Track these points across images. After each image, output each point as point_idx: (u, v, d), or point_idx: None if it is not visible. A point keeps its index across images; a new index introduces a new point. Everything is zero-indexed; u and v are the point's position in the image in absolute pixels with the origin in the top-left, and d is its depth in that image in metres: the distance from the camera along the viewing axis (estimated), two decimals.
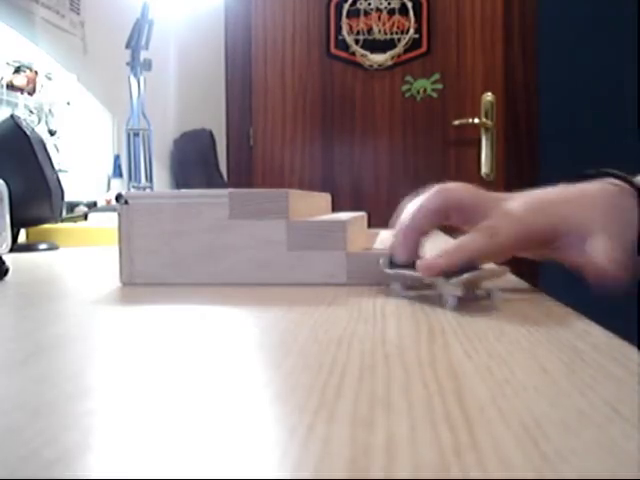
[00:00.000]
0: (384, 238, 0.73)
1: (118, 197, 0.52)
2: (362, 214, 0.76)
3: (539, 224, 0.45)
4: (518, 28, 2.52)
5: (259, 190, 0.51)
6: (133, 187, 1.54)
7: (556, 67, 2.47)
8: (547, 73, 2.50)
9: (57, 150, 1.47)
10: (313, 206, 0.66)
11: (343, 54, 2.61)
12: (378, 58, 2.59)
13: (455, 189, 0.47)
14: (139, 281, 0.51)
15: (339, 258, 0.50)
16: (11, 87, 1.32)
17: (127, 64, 1.52)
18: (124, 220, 0.52)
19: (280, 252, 0.50)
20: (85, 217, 1.20)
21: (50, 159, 0.94)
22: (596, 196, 0.47)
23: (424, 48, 2.58)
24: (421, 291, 0.45)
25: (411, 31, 2.58)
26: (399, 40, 2.59)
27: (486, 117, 2.50)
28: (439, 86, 2.56)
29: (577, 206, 0.46)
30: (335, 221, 0.51)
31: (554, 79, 2.48)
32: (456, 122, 2.52)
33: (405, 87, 2.58)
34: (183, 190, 0.52)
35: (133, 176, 1.54)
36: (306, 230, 0.50)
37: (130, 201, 0.51)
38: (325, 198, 0.80)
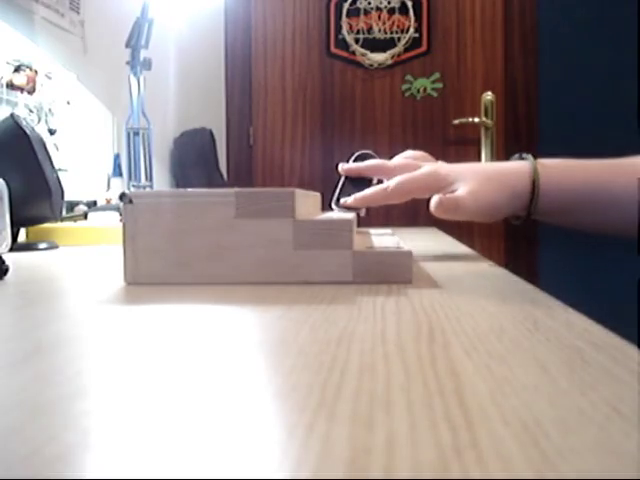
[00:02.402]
0: (382, 239, 0.73)
1: (122, 196, 0.52)
2: (352, 214, 0.76)
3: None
4: (518, 28, 2.52)
5: (265, 189, 0.51)
6: (133, 186, 1.54)
7: (556, 67, 2.47)
8: (547, 73, 2.49)
9: (57, 149, 1.47)
10: (310, 205, 0.66)
11: (343, 53, 2.61)
12: (378, 57, 2.59)
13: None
14: (144, 281, 0.51)
15: (345, 257, 0.50)
16: (11, 86, 1.32)
17: (127, 63, 1.52)
18: (128, 219, 0.51)
19: (286, 251, 0.50)
20: (85, 216, 1.20)
21: (50, 158, 0.94)
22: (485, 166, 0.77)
23: (424, 47, 2.58)
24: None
25: (411, 30, 2.58)
26: (399, 39, 2.59)
27: (486, 116, 2.50)
28: (439, 85, 2.56)
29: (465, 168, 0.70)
30: (341, 220, 0.51)
31: (554, 79, 2.48)
32: (456, 121, 2.52)
33: (405, 86, 2.58)
34: (189, 189, 0.52)
35: (133, 175, 1.54)
36: (313, 229, 0.50)
37: (135, 200, 0.51)
38: (315, 197, 0.80)
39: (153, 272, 0.51)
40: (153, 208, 0.51)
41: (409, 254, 0.50)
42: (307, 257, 0.50)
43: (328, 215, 0.62)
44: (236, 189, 0.51)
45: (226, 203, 0.50)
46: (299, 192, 0.53)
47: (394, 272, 0.50)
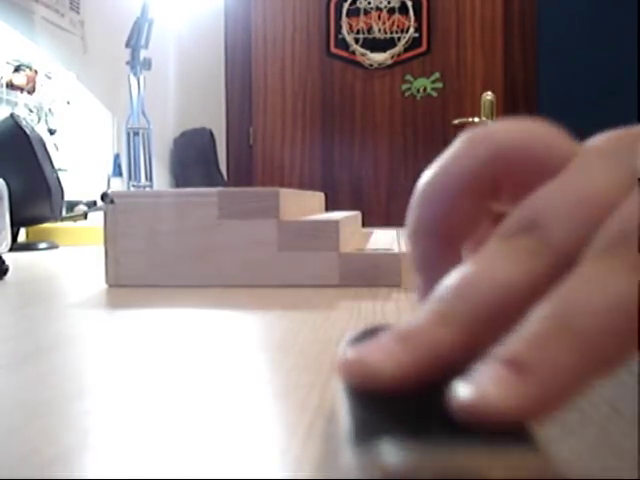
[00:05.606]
0: (378, 238, 0.72)
1: (103, 196, 0.50)
2: (356, 213, 0.74)
3: None
4: (518, 28, 2.52)
5: (249, 189, 0.49)
6: (133, 186, 1.54)
7: (556, 67, 2.48)
8: (547, 73, 2.49)
9: (57, 149, 1.47)
10: (306, 205, 0.64)
11: (343, 53, 2.61)
12: (378, 57, 2.59)
13: (507, 131, 0.18)
14: (125, 283, 0.49)
15: (331, 259, 0.48)
16: (11, 86, 1.32)
17: (127, 63, 1.52)
18: (109, 220, 0.50)
19: (271, 253, 0.48)
20: (85, 216, 1.20)
21: (50, 158, 0.94)
22: None
23: (424, 47, 2.58)
24: None
25: (411, 30, 2.58)
26: (399, 39, 2.59)
27: (486, 116, 2.50)
28: (439, 85, 2.56)
29: None
30: (327, 221, 0.49)
31: (554, 79, 2.48)
32: (456, 121, 2.52)
33: (405, 86, 2.58)
34: (171, 189, 0.51)
35: (133, 175, 1.54)
36: (297, 230, 0.48)
37: (116, 200, 0.50)
38: (318, 197, 0.78)
39: (135, 274, 0.49)
40: (134, 208, 0.49)
41: (397, 257, 0.48)
42: (292, 259, 0.48)
43: (317, 216, 0.60)
44: (219, 188, 0.49)
45: (209, 203, 0.48)
46: (287, 192, 0.51)
47: (382, 275, 0.48)
